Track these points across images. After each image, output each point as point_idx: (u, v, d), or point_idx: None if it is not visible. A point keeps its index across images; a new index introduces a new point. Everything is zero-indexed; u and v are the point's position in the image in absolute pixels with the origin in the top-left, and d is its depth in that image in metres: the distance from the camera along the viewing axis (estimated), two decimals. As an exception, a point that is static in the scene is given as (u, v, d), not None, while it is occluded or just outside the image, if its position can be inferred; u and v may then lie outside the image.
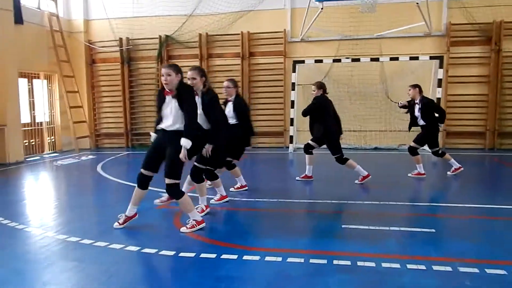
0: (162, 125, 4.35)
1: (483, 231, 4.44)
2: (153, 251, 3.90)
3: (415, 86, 7.10)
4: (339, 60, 10.60)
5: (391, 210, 5.31)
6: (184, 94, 4.25)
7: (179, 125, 4.25)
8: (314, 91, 6.60)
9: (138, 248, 3.98)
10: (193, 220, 4.50)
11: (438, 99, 10.12)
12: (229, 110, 5.72)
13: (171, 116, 4.25)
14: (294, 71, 10.67)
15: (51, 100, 11.89)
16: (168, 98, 4.29)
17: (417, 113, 7.06)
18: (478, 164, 9.27)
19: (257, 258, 3.70)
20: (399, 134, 11.02)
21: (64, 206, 5.83)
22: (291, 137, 10.83)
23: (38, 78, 11.44)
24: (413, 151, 7.18)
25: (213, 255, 3.76)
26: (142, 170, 4.48)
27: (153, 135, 4.53)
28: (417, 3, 8.37)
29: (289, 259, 3.64)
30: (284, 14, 11.37)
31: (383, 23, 10.64)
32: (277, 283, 3.22)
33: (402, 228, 4.47)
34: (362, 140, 10.82)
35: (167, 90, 4.29)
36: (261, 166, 9.33)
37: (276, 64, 11.44)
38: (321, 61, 10.65)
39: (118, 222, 4.65)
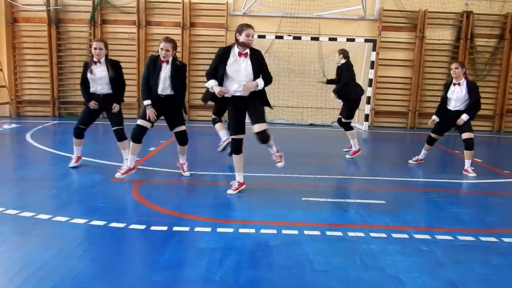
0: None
1: (426, 202, 4.96)
2: (121, 225, 3.84)
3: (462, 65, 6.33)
4: (281, 37, 10.77)
5: (342, 184, 5.70)
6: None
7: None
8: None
9: (104, 222, 3.89)
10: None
11: (370, 80, 10.79)
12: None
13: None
14: (236, 45, 10.62)
15: (-36, 61, 10.64)
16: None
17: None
18: (402, 141, 10.16)
19: (231, 230, 3.81)
20: (334, 111, 11.60)
21: (7, 178, 5.40)
22: (232, 111, 10.88)
23: None
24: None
25: (187, 228, 3.81)
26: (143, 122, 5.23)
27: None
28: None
29: (262, 231, 3.81)
30: (226, -14, 11.21)
31: (322, 3, 10.99)
32: (259, 252, 3.37)
33: (357, 200, 4.85)
34: (299, 116, 11.21)
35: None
36: (206, 139, 9.30)
37: (218, 36, 11.29)
38: (264, 36, 10.73)
39: (120, 172, 5.35)
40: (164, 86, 5.18)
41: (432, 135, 6.69)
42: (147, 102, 5.20)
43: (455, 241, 3.73)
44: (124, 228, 3.79)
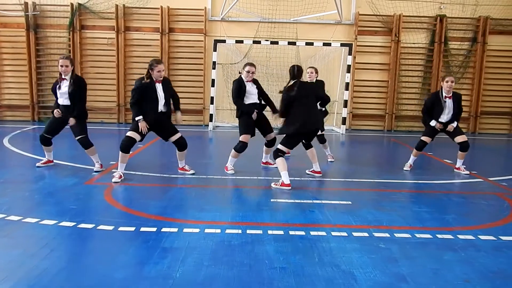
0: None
1: (390, 202, 5.11)
2: (90, 226, 3.92)
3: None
4: (258, 42, 10.94)
5: (312, 185, 5.84)
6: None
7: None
8: None
9: (74, 223, 3.96)
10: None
11: (347, 83, 11.01)
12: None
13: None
14: (215, 50, 10.77)
15: None
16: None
17: None
18: (379, 143, 10.39)
19: (197, 230, 3.92)
20: (312, 115, 11.78)
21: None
22: (211, 115, 11.02)
23: None
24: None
25: (154, 229, 3.90)
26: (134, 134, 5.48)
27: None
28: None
29: (228, 231, 3.93)
30: (204, -9, 11.36)
31: (299, 9, 11.20)
32: (221, 251, 3.49)
33: (324, 201, 4.99)
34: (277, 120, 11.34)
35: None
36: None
37: (196, 42, 11.43)
38: (241, 41, 10.89)
39: (116, 177, 5.48)
40: (162, 105, 5.54)
41: (423, 138, 6.74)
42: (139, 117, 5.46)
43: (412, 238, 3.89)
44: (92, 229, 3.87)
